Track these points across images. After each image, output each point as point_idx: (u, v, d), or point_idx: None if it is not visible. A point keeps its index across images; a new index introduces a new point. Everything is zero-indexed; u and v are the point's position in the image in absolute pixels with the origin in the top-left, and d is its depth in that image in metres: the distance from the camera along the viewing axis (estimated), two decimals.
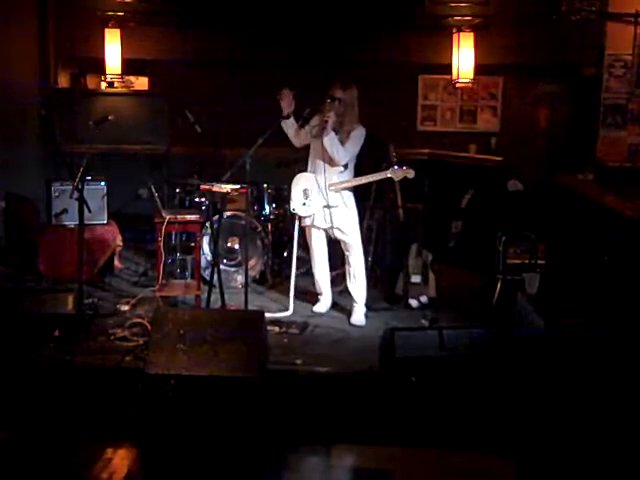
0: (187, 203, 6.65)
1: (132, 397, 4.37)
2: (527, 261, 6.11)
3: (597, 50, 7.10)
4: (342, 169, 5.65)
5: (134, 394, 4.37)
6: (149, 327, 4.96)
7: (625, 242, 4.94)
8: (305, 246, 6.16)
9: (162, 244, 5.70)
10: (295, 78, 7.37)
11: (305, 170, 5.81)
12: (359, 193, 6.81)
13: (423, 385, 4.42)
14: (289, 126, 5.75)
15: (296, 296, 6.01)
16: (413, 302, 6.07)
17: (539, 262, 6.07)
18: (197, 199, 6.62)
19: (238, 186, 5.81)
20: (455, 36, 7.75)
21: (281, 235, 6.87)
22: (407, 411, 4.31)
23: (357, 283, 5.79)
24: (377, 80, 7.81)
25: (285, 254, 6.77)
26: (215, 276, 5.55)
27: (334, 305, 6.06)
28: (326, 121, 5.49)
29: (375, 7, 7.64)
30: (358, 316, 5.77)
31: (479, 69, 7.76)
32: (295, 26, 7.75)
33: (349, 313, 5.84)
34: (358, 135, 5.62)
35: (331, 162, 5.60)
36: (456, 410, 4.28)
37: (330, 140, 5.50)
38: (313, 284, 6.04)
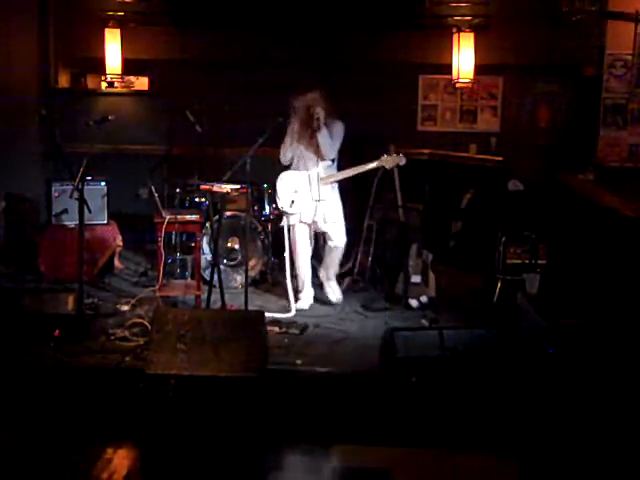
0: (187, 203, 6.65)
1: (132, 397, 4.37)
2: (527, 261, 6.10)
3: (597, 50, 7.09)
4: (330, 163, 5.90)
5: (134, 394, 4.37)
6: (149, 327, 4.96)
7: (625, 242, 4.93)
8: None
9: (162, 244, 5.70)
10: (295, 78, 7.39)
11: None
12: (359, 193, 6.83)
13: (423, 385, 4.42)
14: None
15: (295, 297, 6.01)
16: (413, 302, 6.06)
17: (539, 262, 6.07)
18: (197, 199, 6.62)
19: (238, 186, 5.82)
20: (455, 36, 7.75)
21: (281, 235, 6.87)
22: (407, 411, 4.32)
23: (334, 269, 6.12)
24: (377, 80, 7.82)
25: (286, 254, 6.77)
26: (215, 276, 5.55)
27: (334, 305, 6.06)
28: (318, 118, 5.75)
29: (375, 7, 7.63)
30: (337, 294, 6.10)
31: (479, 69, 7.76)
32: (295, 26, 7.75)
33: (322, 296, 6.11)
34: (340, 129, 5.94)
35: (320, 157, 5.85)
36: (456, 410, 4.29)
37: (324, 135, 5.77)
38: (318, 285, 6.09)
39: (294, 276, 6.07)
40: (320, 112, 5.77)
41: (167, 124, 7.84)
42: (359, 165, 5.92)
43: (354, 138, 7.75)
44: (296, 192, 5.88)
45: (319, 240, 6.32)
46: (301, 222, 5.96)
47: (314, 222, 5.97)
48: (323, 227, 6.00)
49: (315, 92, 5.87)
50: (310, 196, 5.87)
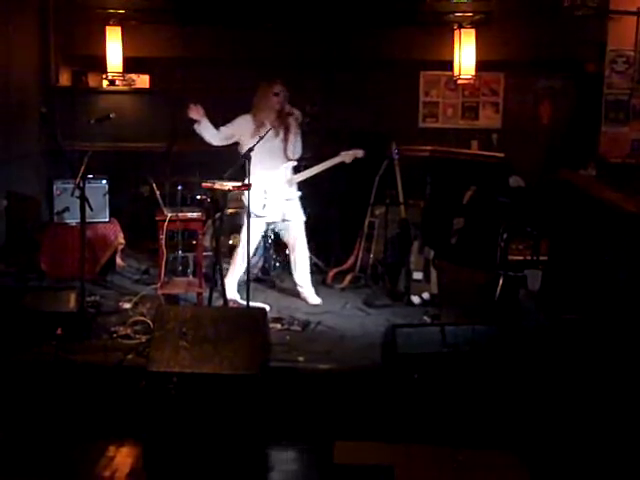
0: (189, 201, 6.65)
1: (134, 395, 4.37)
2: (529, 257, 6.10)
3: (599, 46, 7.08)
4: (295, 162, 5.93)
5: (136, 392, 4.37)
6: (151, 325, 4.96)
7: (627, 238, 4.93)
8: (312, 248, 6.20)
9: (164, 242, 5.70)
10: (296, 76, 7.38)
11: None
12: (361, 190, 6.83)
13: (425, 382, 4.42)
14: (203, 129, 5.83)
15: (296, 294, 6.02)
16: (415, 299, 6.06)
17: (541, 258, 6.06)
18: (199, 197, 6.61)
19: (239, 184, 5.81)
20: (456, 32, 7.75)
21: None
22: (409, 408, 4.32)
23: (304, 269, 6.09)
24: (378, 77, 7.81)
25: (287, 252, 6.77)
26: (217, 274, 5.54)
27: (334, 304, 6.07)
28: (297, 118, 5.83)
29: (376, 4, 7.63)
30: (315, 296, 6.07)
31: (480, 65, 7.75)
32: (296, 24, 7.74)
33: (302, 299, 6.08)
34: None
35: (287, 156, 5.86)
36: (458, 407, 4.29)
37: (299, 135, 5.88)
38: (320, 282, 6.08)
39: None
40: (297, 112, 5.82)
41: (168, 122, 7.84)
42: (322, 163, 5.95)
43: (355, 135, 7.78)
44: (265, 192, 5.82)
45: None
46: (267, 221, 5.97)
47: (275, 222, 6.02)
48: (289, 227, 6.01)
49: (281, 84, 5.84)
50: (279, 196, 5.86)
